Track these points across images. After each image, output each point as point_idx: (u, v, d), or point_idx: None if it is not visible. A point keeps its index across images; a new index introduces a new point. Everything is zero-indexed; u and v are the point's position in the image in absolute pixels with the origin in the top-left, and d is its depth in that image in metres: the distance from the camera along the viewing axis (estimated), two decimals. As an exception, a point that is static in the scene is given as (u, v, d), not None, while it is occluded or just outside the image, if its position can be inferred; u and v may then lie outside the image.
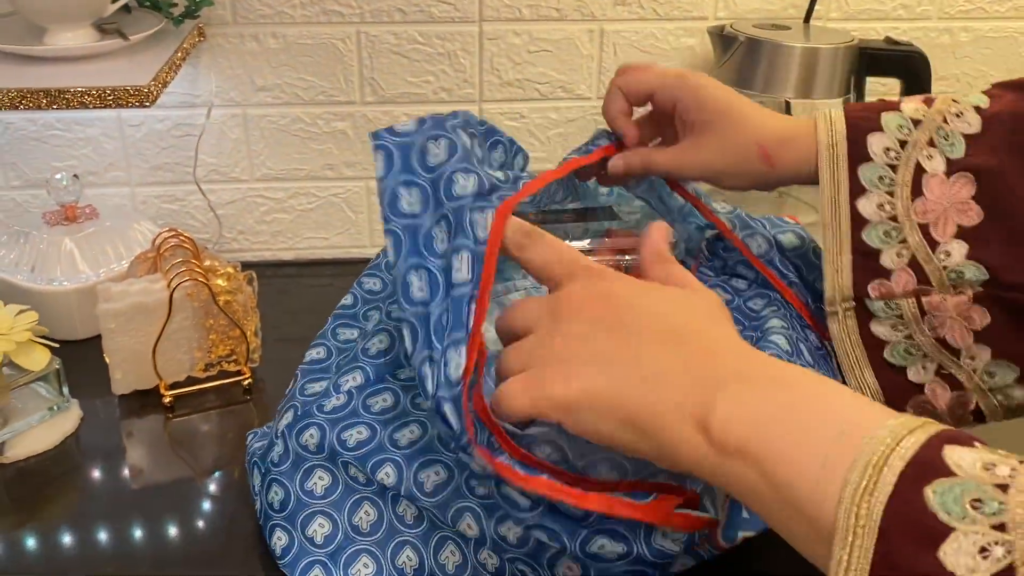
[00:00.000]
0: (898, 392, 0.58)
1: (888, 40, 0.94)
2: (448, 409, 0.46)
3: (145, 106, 0.74)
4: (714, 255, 0.69)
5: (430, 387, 0.47)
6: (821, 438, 0.34)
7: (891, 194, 0.56)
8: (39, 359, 0.71)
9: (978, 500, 0.30)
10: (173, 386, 0.78)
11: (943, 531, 0.30)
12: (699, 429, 0.37)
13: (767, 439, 0.35)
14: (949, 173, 0.55)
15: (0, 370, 0.70)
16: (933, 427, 0.33)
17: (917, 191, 0.55)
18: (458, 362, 0.46)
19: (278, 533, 0.58)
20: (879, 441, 0.32)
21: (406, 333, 0.49)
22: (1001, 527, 0.29)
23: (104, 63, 0.82)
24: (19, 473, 0.69)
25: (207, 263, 0.78)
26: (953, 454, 0.31)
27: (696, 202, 0.67)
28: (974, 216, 0.54)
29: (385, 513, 0.57)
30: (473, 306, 0.47)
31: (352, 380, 0.60)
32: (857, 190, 0.56)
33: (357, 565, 0.56)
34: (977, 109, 0.56)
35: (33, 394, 0.74)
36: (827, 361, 0.62)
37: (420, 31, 0.96)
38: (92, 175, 0.99)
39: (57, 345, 0.73)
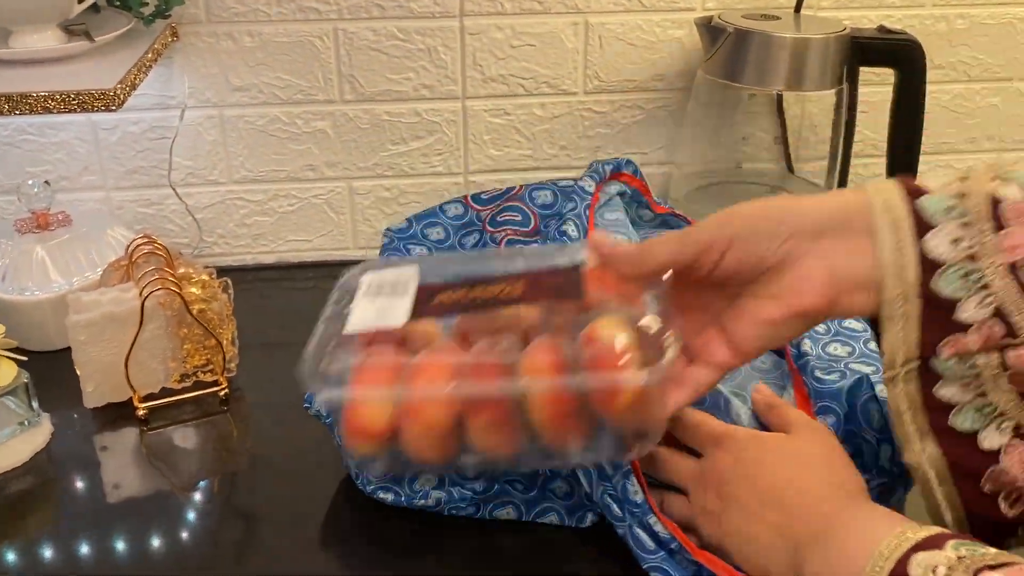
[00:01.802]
0: (971, 466, 0.47)
1: (881, 29, 0.91)
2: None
3: (112, 110, 0.72)
4: None
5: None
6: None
7: (967, 225, 0.45)
8: (6, 373, 0.69)
9: None
10: (147, 398, 0.76)
11: None
12: None
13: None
14: None
15: (-34, 386, 0.68)
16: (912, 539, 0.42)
17: (997, 223, 0.45)
18: None
19: None
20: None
21: None
22: None
23: (72, 65, 0.80)
24: (-12, 491, 0.67)
25: (181, 270, 0.76)
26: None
27: None
28: None
29: None
30: None
31: None
32: (922, 226, 0.46)
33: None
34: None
35: (2, 408, 0.72)
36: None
37: (399, 27, 0.94)
38: (65, 180, 0.96)
39: (25, 358, 0.71)
